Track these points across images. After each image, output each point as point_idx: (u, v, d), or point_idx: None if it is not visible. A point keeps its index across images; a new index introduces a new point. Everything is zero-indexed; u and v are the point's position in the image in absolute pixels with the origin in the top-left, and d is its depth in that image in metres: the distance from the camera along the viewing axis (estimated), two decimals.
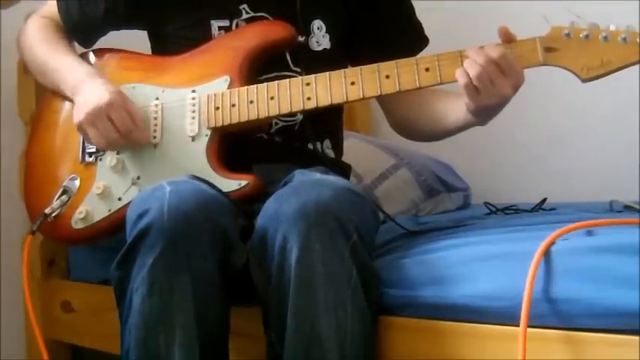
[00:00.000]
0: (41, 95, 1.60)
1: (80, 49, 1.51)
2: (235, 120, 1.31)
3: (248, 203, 1.27)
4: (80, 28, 1.48)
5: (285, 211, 1.11)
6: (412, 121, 1.48)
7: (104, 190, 1.34)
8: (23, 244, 1.41)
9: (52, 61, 1.44)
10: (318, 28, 1.44)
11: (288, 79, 1.31)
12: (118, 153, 1.36)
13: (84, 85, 1.35)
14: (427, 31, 1.51)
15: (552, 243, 1.05)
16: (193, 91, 1.35)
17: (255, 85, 1.32)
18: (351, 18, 1.49)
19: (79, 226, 1.36)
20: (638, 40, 1.15)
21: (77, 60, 1.43)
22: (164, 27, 1.44)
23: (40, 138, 1.48)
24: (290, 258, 1.09)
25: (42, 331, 1.46)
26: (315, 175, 1.22)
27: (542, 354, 1.01)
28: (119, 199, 1.34)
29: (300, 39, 1.40)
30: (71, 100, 1.38)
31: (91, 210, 1.35)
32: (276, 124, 1.40)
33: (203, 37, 1.40)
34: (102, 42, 1.51)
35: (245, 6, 1.41)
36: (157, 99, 1.37)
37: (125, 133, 1.31)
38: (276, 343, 1.13)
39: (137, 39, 1.51)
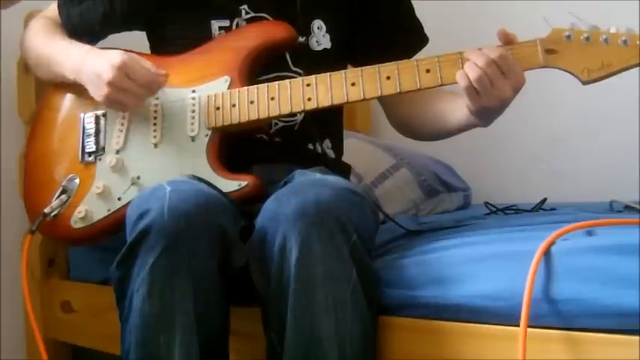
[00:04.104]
0: (41, 95, 1.59)
1: None
2: (235, 120, 1.31)
3: (248, 203, 1.27)
4: (81, 33, 1.47)
5: (285, 211, 1.11)
6: (413, 121, 1.48)
7: (104, 189, 1.34)
8: (23, 244, 1.41)
9: (49, 49, 1.43)
10: (319, 28, 1.44)
11: (288, 80, 1.31)
12: (117, 153, 1.36)
13: (85, 62, 1.34)
14: (427, 31, 1.51)
15: (552, 243, 1.05)
16: (193, 91, 1.35)
17: (255, 86, 1.32)
18: (351, 18, 1.49)
19: (79, 225, 1.36)
20: (638, 42, 1.15)
21: (72, 43, 1.42)
22: (164, 28, 1.44)
23: (39, 137, 1.48)
24: (290, 258, 1.09)
25: (42, 331, 1.46)
26: (315, 175, 1.22)
27: (542, 354, 1.01)
28: (119, 198, 1.34)
29: (301, 39, 1.40)
30: (72, 92, 1.37)
31: (91, 210, 1.35)
32: (276, 124, 1.40)
33: (203, 37, 1.40)
34: (102, 42, 1.51)
35: (245, 6, 1.41)
36: (157, 99, 1.37)
37: (149, 85, 1.30)
38: (276, 343, 1.13)
39: (137, 39, 1.51)
